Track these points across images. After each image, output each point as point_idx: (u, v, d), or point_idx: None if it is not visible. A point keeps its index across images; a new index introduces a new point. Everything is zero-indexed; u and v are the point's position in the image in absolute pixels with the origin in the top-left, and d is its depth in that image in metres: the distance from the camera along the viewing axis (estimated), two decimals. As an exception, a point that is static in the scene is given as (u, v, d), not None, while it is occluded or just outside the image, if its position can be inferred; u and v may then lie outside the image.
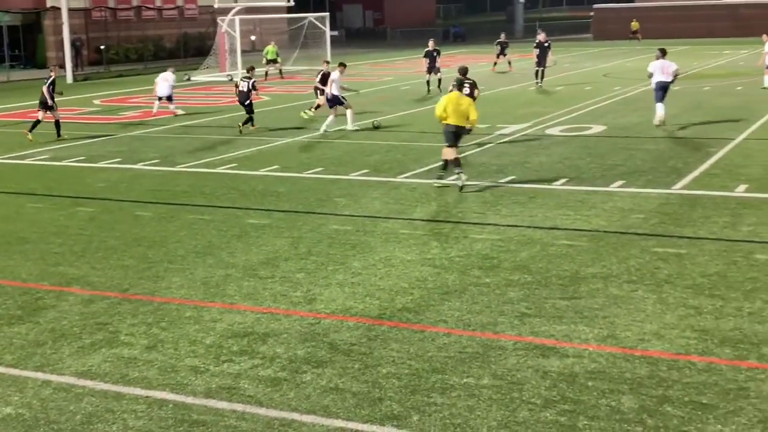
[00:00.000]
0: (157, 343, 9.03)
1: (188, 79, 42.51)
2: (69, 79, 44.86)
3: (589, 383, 7.75)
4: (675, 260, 11.24)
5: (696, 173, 16.62)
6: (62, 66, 47.33)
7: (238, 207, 15.12)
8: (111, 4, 59.00)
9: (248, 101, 24.21)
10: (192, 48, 59.81)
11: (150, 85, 29.51)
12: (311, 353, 8.61)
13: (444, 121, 16.10)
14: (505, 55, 42.52)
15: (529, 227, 13.12)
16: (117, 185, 17.43)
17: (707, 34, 68.87)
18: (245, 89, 24.25)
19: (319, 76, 25.87)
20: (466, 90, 20.80)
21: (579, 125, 23.47)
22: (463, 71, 21.36)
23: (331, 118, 23.42)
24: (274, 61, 42.22)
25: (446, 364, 8.24)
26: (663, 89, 22.61)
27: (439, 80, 32.47)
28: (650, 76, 22.86)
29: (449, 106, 15.99)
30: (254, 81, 24.56)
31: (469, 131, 16.49)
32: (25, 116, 30.41)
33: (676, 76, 23.02)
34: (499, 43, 42.99)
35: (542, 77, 34.63)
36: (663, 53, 23.03)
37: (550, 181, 16.34)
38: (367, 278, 10.93)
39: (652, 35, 69.63)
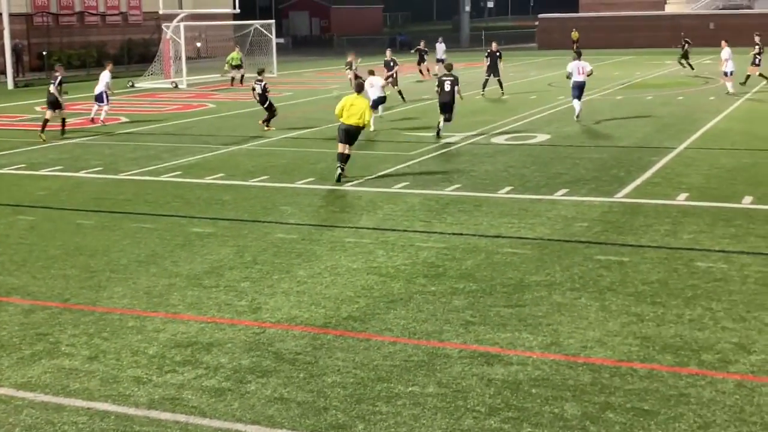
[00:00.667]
0: (99, 353, 8.90)
1: (132, 86, 42.09)
2: (10, 85, 44.13)
3: (533, 390, 7.82)
4: (617, 268, 11.39)
5: (638, 182, 16.87)
6: (3, 71, 46.60)
7: (182, 215, 14.99)
8: (53, 9, 58.16)
9: (267, 102, 25.15)
10: (136, 54, 59.20)
11: (93, 92, 29.06)
12: (256, 363, 8.56)
13: (341, 120, 17.60)
14: (424, 62, 43.02)
15: (474, 235, 13.20)
16: (58, 193, 17.18)
17: (649, 44, 70.13)
18: (260, 91, 25.06)
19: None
20: (447, 86, 21.78)
21: (524, 134, 23.70)
22: (449, 67, 23.28)
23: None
24: (239, 67, 42.24)
25: (391, 373, 8.25)
26: (580, 88, 25.43)
27: (399, 92, 32.12)
28: (569, 75, 25.34)
29: (346, 106, 17.51)
30: (266, 83, 25.31)
31: (360, 129, 17.83)
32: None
33: (589, 75, 25.46)
34: (417, 50, 43.47)
35: (501, 86, 34.63)
36: (579, 55, 25.88)
37: (495, 189, 16.46)
38: (313, 287, 10.90)
39: (595, 45, 70.66)
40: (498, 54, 34.83)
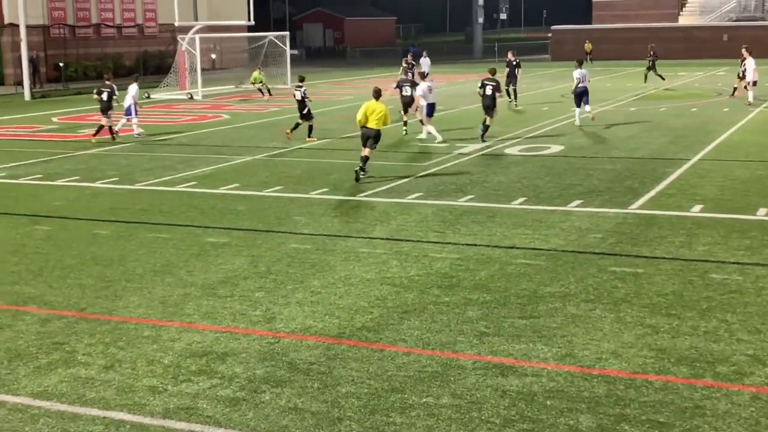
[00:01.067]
0: (115, 362, 8.91)
1: (148, 97, 42.26)
2: (27, 96, 44.37)
3: (548, 402, 7.78)
4: (632, 279, 11.34)
5: (652, 193, 16.81)
6: (20, 83, 46.87)
7: (197, 225, 15.02)
8: (70, 21, 58.54)
9: (306, 109, 25.10)
10: (152, 66, 59.56)
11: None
12: (270, 372, 8.55)
13: (363, 125, 18.67)
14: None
15: (488, 246, 13.17)
16: (75, 203, 17.24)
17: (662, 55, 69.85)
18: (300, 98, 25.02)
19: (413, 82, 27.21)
20: (488, 90, 24.02)
21: (537, 145, 23.66)
22: (492, 71, 25.16)
23: (431, 128, 24.54)
24: (261, 83, 42.84)
25: (405, 384, 8.22)
26: (581, 95, 27.32)
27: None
28: (579, 81, 27.01)
29: (368, 111, 18.56)
30: (306, 89, 25.14)
31: (379, 132, 18.79)
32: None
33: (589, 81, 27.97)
34: (407, 63, 43.56)
35: (515, 96, 34.60)
36: (580, 63, 27.89)
37: (508, 200, 16.43)
38: (327, 297, 10.89)
39: (609, 56, 70.70)
40: (515, 63, 34.78)
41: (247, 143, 25.35)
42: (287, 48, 50.55)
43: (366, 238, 13.94)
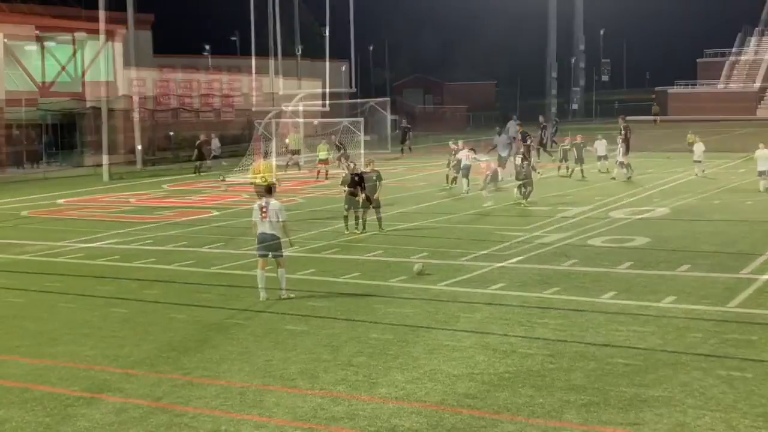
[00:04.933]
0: (191, 458, 9.05)
1: (223, 180, 43.00)
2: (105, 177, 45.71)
3: None
4: (741, 383, 11.04)
5: (750, 291, 16.23)
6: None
7: (275, 312, 15.24)
8: (151, 105, 61.25)
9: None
10: (227, 150, 61.31)
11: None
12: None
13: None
14: (406, 141, 43.39)
15: (581, 343, 12.91)
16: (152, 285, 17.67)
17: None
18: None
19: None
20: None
21: (620, 236, 22.76)
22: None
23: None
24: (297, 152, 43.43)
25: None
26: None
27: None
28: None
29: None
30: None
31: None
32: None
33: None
34: (402, 128, 43.71)
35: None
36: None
37: (597, 293, 16.12)
38: (413, 392, 10.81)
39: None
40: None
41: (324, 228, 25.49)
42: (388, 113, 51.69)
43: (450, 330, 13.90)
